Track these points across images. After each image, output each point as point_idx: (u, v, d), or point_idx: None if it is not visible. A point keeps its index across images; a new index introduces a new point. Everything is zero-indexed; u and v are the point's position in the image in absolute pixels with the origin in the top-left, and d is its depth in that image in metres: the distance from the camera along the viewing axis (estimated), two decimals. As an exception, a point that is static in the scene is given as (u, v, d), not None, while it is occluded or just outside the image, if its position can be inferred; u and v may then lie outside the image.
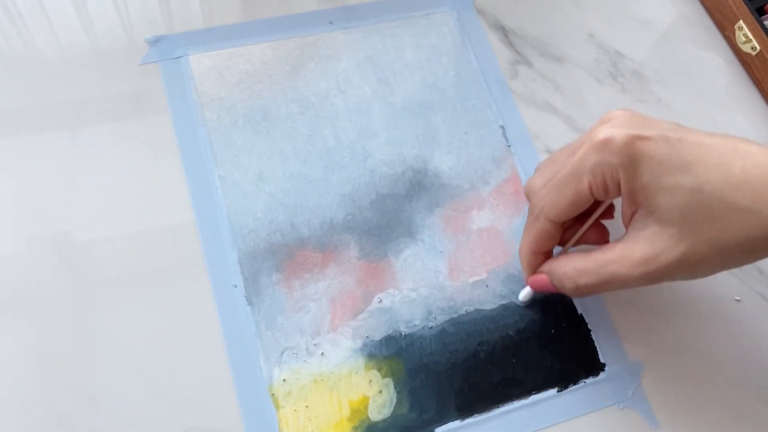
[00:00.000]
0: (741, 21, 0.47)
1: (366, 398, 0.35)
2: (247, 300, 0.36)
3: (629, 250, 0.30)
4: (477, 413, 0.35)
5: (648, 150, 0.29)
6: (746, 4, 0.46)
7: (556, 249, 0.36)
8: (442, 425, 0.34)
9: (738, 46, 0.48)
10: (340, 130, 0.41)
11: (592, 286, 0.32)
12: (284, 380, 0.34)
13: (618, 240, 0.32)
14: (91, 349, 0.34)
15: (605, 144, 0.29)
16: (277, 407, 0.34)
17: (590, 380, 0.37)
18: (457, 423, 0.35)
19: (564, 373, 0.37)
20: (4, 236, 0.36)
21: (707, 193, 0.28)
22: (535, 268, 0.35)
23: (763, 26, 0.46)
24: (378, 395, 0.35)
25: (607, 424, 0.36)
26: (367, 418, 0.34)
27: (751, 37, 0.46)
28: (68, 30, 0.41)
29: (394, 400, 0.35)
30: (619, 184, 0.30)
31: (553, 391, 0.36)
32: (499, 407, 0.35)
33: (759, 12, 0.47)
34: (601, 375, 0.37)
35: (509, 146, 0.42)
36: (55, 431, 0.32)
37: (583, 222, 0.34)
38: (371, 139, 0.41)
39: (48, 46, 0.41)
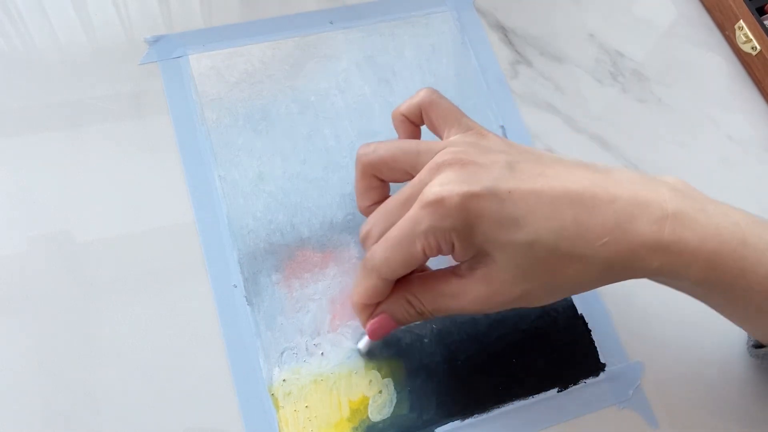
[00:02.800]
0: (741, 21, 0.47)
1: (366, 398, 0.35)
2: (247, 300, 0.36)
3: (467, 286, 0.30)
4: (477, 413, 0.35)
5: (478, 210, 0.28)
6: (746, 4, 0.46)
7: None
8: (442, 425, 0.34)
9: (738, 46, 0.48)
10: (340, 130, 0.41)
11: (432, 312, 0.32)
12: (284, 380, 0.34)
13: (454, 272, 0.31)
14: (91, 349, 0.34)
15: (436, 207, 0.28)
16: (277, 407, 0.34)
17: (590, 380, 0.37)
18: (457, 423, 0.35)
19: (564, 373, 0.37)
20: (4, 236, 0.35)
21: (540, 247, 0.28)
22: (368, 316, 0.33)
23: (763, 26, 0.46)
24: (378, 395, 0.35)
25: (607, 424, 0.36)
26: (367, 418, 0.34)
27: (751, 37, 0.46)
28: (68, 30, 0.41)
29: (394, 401, 0.35)
30: (453, 244, 0.29)
31: (553, 391, 0.36)
32: (499, 407, 0.35)
33: (759, 12, 0.47)
34: (601, 375, 0.37)
35: (509, 146, 0.42)
36: (55, 431, 0.32)
37: None
38: (371, 139, 0.41)
39: (48, 46, 0.41)
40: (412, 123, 0.35)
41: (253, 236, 0.37)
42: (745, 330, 0.35)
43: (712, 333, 0.39)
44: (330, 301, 0.36)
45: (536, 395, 0.36)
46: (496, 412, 0.35)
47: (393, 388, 0.35)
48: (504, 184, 0.28)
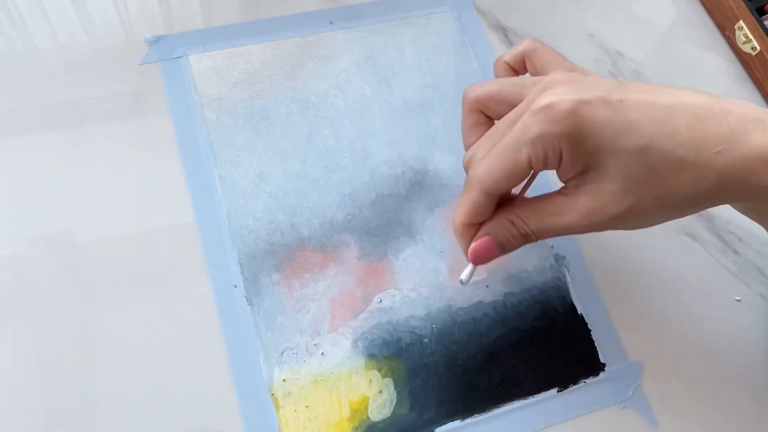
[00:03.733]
0: (741, 21, 0.47)
1: (366, 398, 0.35)
2: (247, 300, 0.36)
3: (574, 202, 0.30)
4: (477, 413, 0.35)
5: (590, 115, 0.28)
6: (746, 4, 0.46)
7: None
8: (442, 425, 0.34)
9: (738, 46, 0.48)
10: (340, 130, 0.41)
11: (538, 232, 0.31)
12: (284, 380, 0.34)
13: (559, 192, 0.31)
14: (91, 349, 0.34)
15: (546, 112, 0.28)
16: (277, 407, 0.34)
17: (590, 380, 0.37)
18: (457, 423, 0.35)
19: (564, 373, 0.37)
20: (4, 236, 0.35)
21: (653, 152, 0.28)
22: (470, 240, 0.32)
23: (763, 26, 0.46)
24: (378, 395, 0.35)
25: (607, 424, 0.36)
26: (367, 418, 0.34)
27: (751, 37, 0.46)
28: (68, 30, 0.41)
29: (394, 400, 0.35)
30: (560, 154, 0.29)
31: (553, 391, 0.36)
32: (499, 407, 0.35)
33: (759, 12, 0.47)
34: (601, 375, 0.37)
35: (509, 146, 0.42)
36: (55, 431, 0.32)
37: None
38: (371, 139, 0.41)
39: (48, 46, 0.41)
40: (515, 71, 0.35)
41: (253, 236, 0.37)
42: None
43: (712, 333, 0.39)
44: (330, 301, 0.36)
45: (536, 395, 0.36)
46: (496, 412, 0.35)
47: (393, 388, 0.35)
48: (615, 95, 0.28)
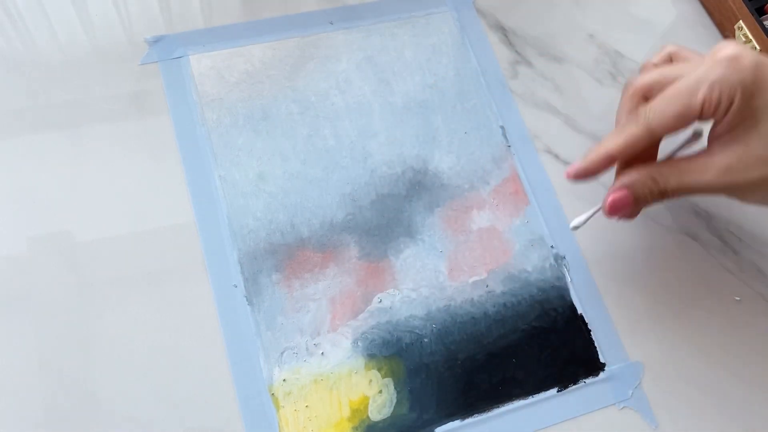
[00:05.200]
0: (741, 21, 0.47)
1: (366, 398, 0.35)
2: (247, 300, 0.36)
3: (716, 160, 0.31)
4: (477, 413, 0.35)
5: None
6: (746, 4, 0.46)
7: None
8: (442, 425, 0.34)
9: (738, 46, 0.48)
10: (340, 130, 0.41)
11: (677, 189, 0.32)
12: (284, 380, 0.34)
13: (702, 152, 0.32)
14: (91, 349, 0.34)
15: (732, 61, 0.29)
16: (277, 407, 0.34)
17: (590, 380, 0.37)
18: (457, 423, 0.35)
19: (564, 373, 0.37)
20: (4, 236, 0.35)
21: None
22: (598, 170, 0.33)
23: (763, 26, 0.46)
24: (378, 395, 0.35)
25: (607, 424, 0.36)
26: (367, 418, 0.34)
27: (751, 37, 0.46)
28: (68, 30, 0.41)
29: (394, 400, 0.35)
30: (730, 104, 0.30)
31: (553, 391, 0.36)
32: (499, 407, 0.35)
33: (759, 12, 0.47)
34: (601, 375, 0.37)
35: (509, 146, 0.42)
36: (55, 431, 0.32)
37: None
38: (371, 139, 0.41)
39: (48, 46, 0.41)
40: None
41: (253, 236, 0.37)
42: None
43: (712, 333, 0.39)
44: (330, 301, 0.36)
45: (536, 395, 0.36)
46: (496, 412, 0.35)
47: (393, 388, 0.35)
48: None
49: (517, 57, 0.46)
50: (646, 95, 0.34)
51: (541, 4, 0.48)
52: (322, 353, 0.35)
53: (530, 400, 0.36)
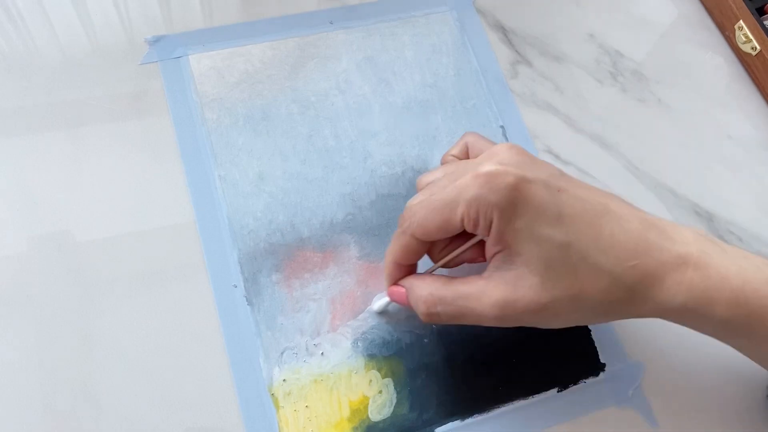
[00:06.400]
0: (741, 21, 0.47)
1: (366, 398, 0.35)
2: (247, 300, 0.36)
3: (490, 288, 0.30)
4: (477, 413, 0.35)
5: (529, 195, 0.28)
6: (746, 4, 0.46)
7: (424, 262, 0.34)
8: (442, 425, 0.34)
9: (738, 46, 0.48)
10: (340, 130, 0.41)
11: (444, 315, 0.31)
12: (284, 380, 0.34)
13: (479, 275, 0.31)
14: (91, 349, 0.34)
15: (489, 179, 0.28)
16: (277, 407, 0.34)
17: (590, 380, 0.37)
18: (457, 423, 0.35)
19: (564, 373, 0.37)
20: (4, 236, 0.36)
21: (574, 250, 0.28)
22: (396, 279, 0.33)
23: (763, 26, 0.46)
24: (378, 395, 0.35)
25: (607, 424, 0.36)
26: (367, 418, 0.34)
27: (751, 37, 0.46)
28: (68, 30, 0.41)
29: (394, 400, 0.35)
30: (490, 223, 0.29)
31: (553, 391, 0.36)
32: (499, 407, 0.35)
33: (759, 12, 0.47)
34: (601, 375, 0.37)
35: (509, 146, 0.42)
36: (55, 431, 0.32)
37: (458, 243, 0.33)
38: (371, 139, 0.41)
39: (48, 46, 0.41)
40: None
41: (253, 236, 0.37)
42: None
43: (712, 333, 0.39)
44: (330, 301, 0.36)
45: (536, 395, 0.36)
46: (496, 412, 0.35)
47: (393, 388, 0.35)
48: (555, 182, 0.29)
49: (517, 57, 0.46)
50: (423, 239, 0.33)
51: (541, 3, 0.48)
52: (322, 353, 0.35)
53: (530, 400, 0.36)
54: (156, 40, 0.42)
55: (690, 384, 0.37)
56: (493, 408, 0.35)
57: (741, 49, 0.47)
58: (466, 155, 0.35)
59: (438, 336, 0.36)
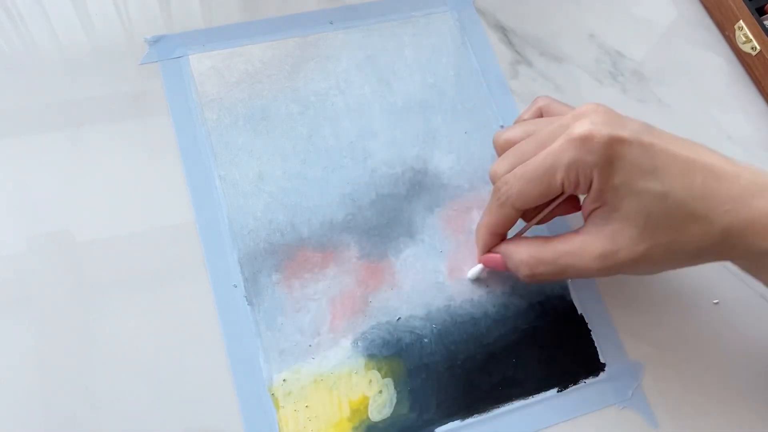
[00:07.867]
0: (741, 21, 0.47)
1: (366, 398, 0.35)
2: (247, 300, 0.36)
3: (589, 243, 0.31)
4: (477, 413, 0.35)
5: (624, 152, 0.29)
6: (746, 4, 0.46)
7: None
8: (442, 425, 0.34)
9: (738, 46, 0.48)
10: (340, 130, 0.41)
11: (548, 274, 0.33)
12: (284, 380, 0.34)
13: (576, 232, 0.32)
14: (91, 349, 0.34)
15: (584, 141, 0.29)
16: (277, 407, 0.34)
17: (590, 380, 0.37)
18: (457, 423, 0.35)
19: (564, 373, 0.37)
20: (4, 236, 0.35)
21: (671, 200, 0.30)
22: (490, 248, 0.35)
23: (763, 26, 0.46)
24: (378, 395, 0.35)
25: (607, 424, 0.36)
26: (367, 418, 0.34)
27: (751, 37, 0.46)
28: (68, 30, 0.41)
29: (394, 400, 0.35)
30: (591, 182, 0.30)
31: (553, 391, 0.36)
32: (499, 407, 0.35)
33: (759, 12, 0.47)
34: (601, 375, 0.37)
35: (509, 146, 0.42)
36: (55, 431, 0.32)
37: (544, 206, 0.34)
38: (371, 139, 0.41)
39: (48, 46, 0.41)
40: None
41: (253, 236, 0.37)
42: None
43: (713, 333, 0.39)
44: (330, 301, 0.36)
45: (536, 395, 0.36)
46: (496, 412, 0.35)
47: (393, 388, 0.35)
48: (646, 137, 0.30)
49: (517, 57, 0.46)
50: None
51: (542, 4, 0.48)
52: (323, 353, 0.35)
53: (530, 400, 0.36)
54: (156, 40, 0.42)
55: (690, 384, 0.37)
56: (493, 408, 0.35)
57: (741, 49, 0.47)
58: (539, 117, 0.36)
59: (438, 336, 0.36)
